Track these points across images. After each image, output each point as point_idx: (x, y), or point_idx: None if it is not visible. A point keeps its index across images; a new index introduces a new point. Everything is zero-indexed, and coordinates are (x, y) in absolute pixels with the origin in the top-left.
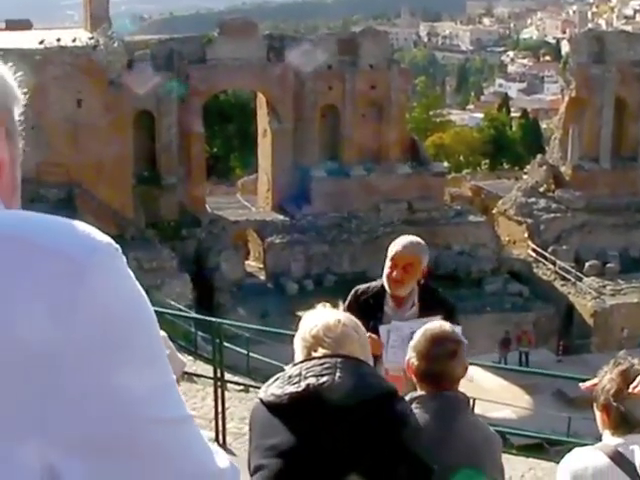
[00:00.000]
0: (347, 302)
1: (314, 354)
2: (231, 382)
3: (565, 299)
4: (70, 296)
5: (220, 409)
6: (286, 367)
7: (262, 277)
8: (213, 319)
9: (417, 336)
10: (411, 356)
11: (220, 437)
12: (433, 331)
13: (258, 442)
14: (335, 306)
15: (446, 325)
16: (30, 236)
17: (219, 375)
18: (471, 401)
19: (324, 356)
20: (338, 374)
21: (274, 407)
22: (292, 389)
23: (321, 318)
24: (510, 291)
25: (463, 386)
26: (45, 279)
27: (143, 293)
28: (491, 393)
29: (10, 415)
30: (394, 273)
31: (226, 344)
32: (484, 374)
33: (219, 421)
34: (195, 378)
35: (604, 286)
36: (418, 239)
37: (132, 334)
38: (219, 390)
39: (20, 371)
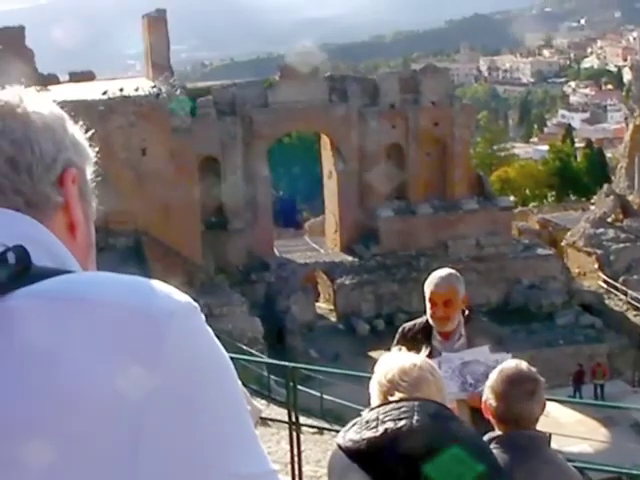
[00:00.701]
0: (395, 340)
1: (391, 398)
2: (306, 425)
3: (638, 329)
4: (152, 357)
5: (296, 452)
6: (361, 410)
7: (333, 318)
8: (286, 363)
9: (493, 376)
10: (488, 397)
11: None
12: (510, 371)
13: None
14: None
15: (522, 364)
16: (111, 297)
17: (294, 419)
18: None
19: (401, 400)
20: (416, 417)
21: (352, 452)
22: (370, 434)
23: (396, 362)
24: (582, 323)
25: (539, 421)
26: (127, 340)
27: (223, 350)
28: (567, 427)
29: (105, 459)
30: (437, 312)
31: (299, 387)
32: (560, 408)
33: (295, 465)
34: (269, 422)
35: None
36: (449, 270)
37: (213, 391)
38: (294, 433)
39: (105, 427)
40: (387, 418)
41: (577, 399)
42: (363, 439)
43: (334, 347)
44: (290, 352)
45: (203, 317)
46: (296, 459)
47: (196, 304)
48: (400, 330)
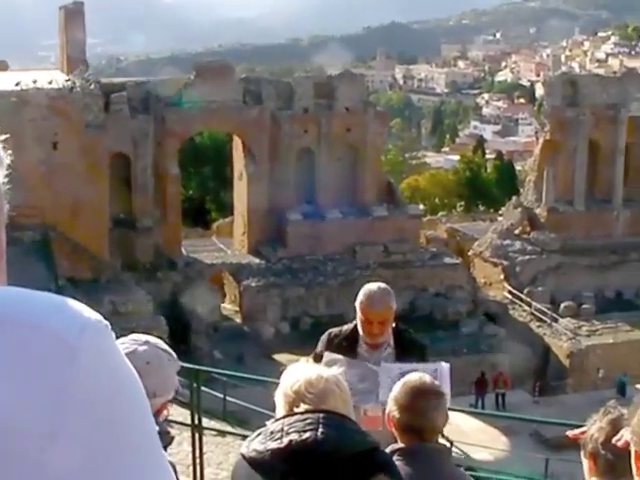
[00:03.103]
0: (320, 345)
1: (296, 409)
2: (208, 428)
3: (541, 340)
4: (61, 376)
5: (198, 454)
6: (264, 413)
7: (238, 320)
8: (191, 366)
9: (397, 388)
10: (392, 409)
11: None
12: (414, 383)
13: None
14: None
15: (426, 377)
16: (18, 315)
17: (197, 421)
18: (447, 444)
19: (306, 411)
20: (321, 430)
21: (256, 463)
22: (274, 445)
23: (303, 373)
24: (486, 333)
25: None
26: (35, 359)
27: (132, 370)
28: (469, 435)
29: None
30: (372, 330)
31: (202, 388)
32: (462, 416)
33: (197, 467)
34: (172, 424)
35: (579, 327)
36: (383, 286)
37: (122, 413)
38: (197, 436)
39: (14, 452)
40: (292, 430)
41: (479, 408)
42: (267, 450)
43: (238, 349)
44: (194, 352)
45: (114, 335)
46: (198, 461)
47: (107, 322)
48: (326, 335)
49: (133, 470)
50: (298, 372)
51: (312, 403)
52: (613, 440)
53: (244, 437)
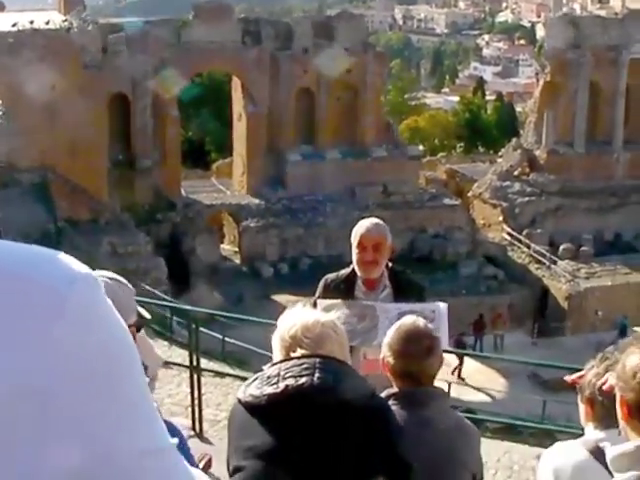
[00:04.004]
0: (318, 292)
1: (293, 354)
2: (206, 370)
3: (540, 282)
4: (51, 328)
5: (196, 395)
6: (262, 354)
7: (237, 261)
8: (189, 307)
9: (391, 333)
10: (386, 354)
11: (197, 424)
12: (408, 328)
13: (237, 443)
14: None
15: (420, 321)
16: (8, 267)
17: (195, 363)
18: (446, 385)
19: (303, 356)
20: (317, 375)
21: (252, 408)
22: (270, 390)
23: (299, 318)
24: (485, 274)
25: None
26: (25, 310)
27: (122, 322)
28: (467, 377)
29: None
30: (366, 256)
31: (201, 329)
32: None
33: (195, 408)
34: (171, 365)
35: (578, 269)
36: (379, 220)
37: (114, 364)
38: (195, 377)
39: (7, 403)
40: (288, 374)
41: (477, 349)
42: (264, 395)
43: (238, 289)
44: (194, 293)
45: (103, 288)
46: (196, 402)
47: (95, 275)
48: (322, 282)
49: (126, 420)
50: (295, 317)
51: (309, 348)
52: (598, 384)
53: (243, 379)
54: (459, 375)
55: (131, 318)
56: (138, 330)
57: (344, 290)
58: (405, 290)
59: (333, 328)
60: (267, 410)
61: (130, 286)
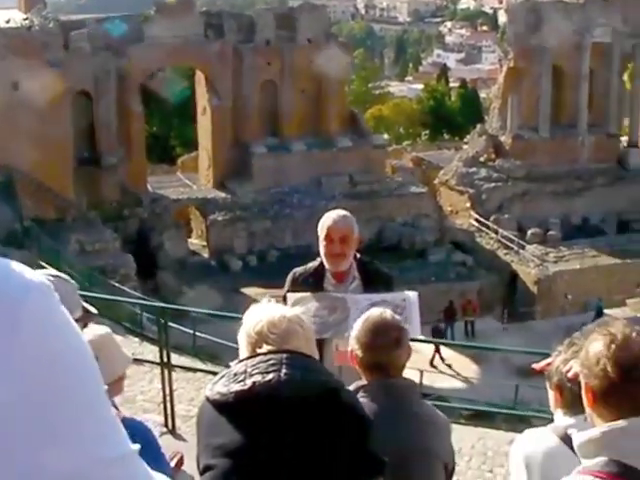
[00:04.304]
0: (287, 286)
1: (259, 350)
2: (177, 366)
3: (508, 267)
4: (7, 338)
5: (168, 391)
6: (234, 348)
7: (205, 255)
8: (157, 304)
9: (358, 326)
10: (354, 347)
11: (169, 421)
12: (375, 320)
13: (206, 441)
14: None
15: (387, 313)
16: None
17: (165, 359)
18: (418, 373)
19: (269, 352)
20: (284, 370)
21: (220, 406)
22: (238, 387)
23: (265, 313)
24: (454, 261)
25: (411, 359)
26: None
27: (77, 328)
28: (439, 364)
29: None
30: (334, 249)
31: (172, 324)
32: (431, 345)
33: (167, 404)
34: (144, 359)
35: (546, 253)
36: (345, 212)
37: (69, 373)
38: (166, 373)
39: None
40: (255, 371)
41: (448, 336)
42: (231, 392)
43: (206, 284)
44: (162, 289)
45: (57, 296)
46: (168, 398)
47: (49, 283)
48: (291, 275)
49: (87, 430)
50: (260, 312)
51: (275, 344)
52: (563, 371)
53: (215, 373)
54: (441, 359)
55: (75, 314)
56: (85, 326)
57: (313, 283)
58: (374, 281)
59: (299, 323)
60: (235, 407)
61: (72, 282)
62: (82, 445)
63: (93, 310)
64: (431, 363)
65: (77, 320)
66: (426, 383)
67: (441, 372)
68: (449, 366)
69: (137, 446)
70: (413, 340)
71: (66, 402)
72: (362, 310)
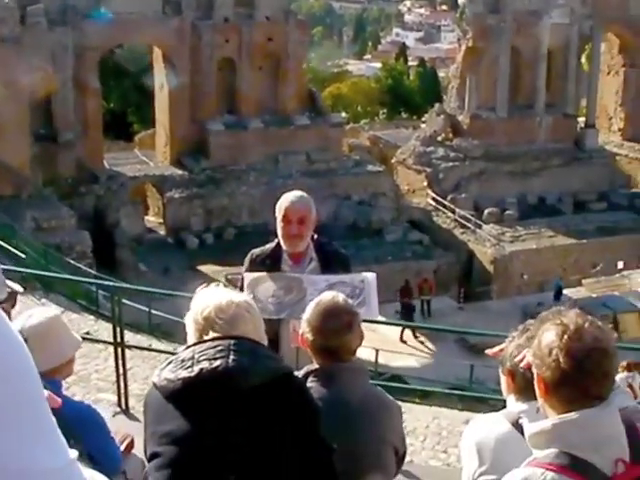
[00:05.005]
0: (244, 267)
1: (206, 337)
2: (131, 346)
3: (465, 247)
4: None
5: (122, 371)
6: (179, 349)
7: (162, 232)
8: (111, 283)
9: (309, 309)
10: (305, 330)
11: (122, 400)
12: (327, 304)
13: (153, 429)
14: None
15: (339, 297)
16: None
17: (119, 337)
18: (374, 352)
19: (216, 338)
20: (232, 357)
21: (168, 392)
22: (185, 374)
23: (213, 299)
24: (410, 240)
25: (366, 337)
26: None
27: (19, 337)
28: (394, 343)
29: None
30: (291, 229)
31: (127, 301)
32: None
33: (121, 383)
34: (97, 338)
35: (503, 233)
36: (303, 193)
37: (9, 386)
38: (120, 352)
39: None
40: (202, 357)
41: (404, 315)
42: (178, 379)
43: (163, 261)
44: (119, 266)
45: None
46: (122, 377)
47: None
48: (248, 256)
49: (26, 440)
50: (208, 298)
51: (222, 330)
52: (515, 360)
53: (172, 354)
54: (413, 336)
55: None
56: (13, 306)
57: (270, 264)
58: (331, 262)
59: (247, 308)
60: (182, 394)
61: None
62: (21, 458)
63: (19, 289)
64: (401, 339)
65: (3, 302)
66: (381, 362)
67: (413, 348)
68: (422, 342)
69: (75, 453)
70: (372, 322)
71: (4, 411)
72: (320, 291)
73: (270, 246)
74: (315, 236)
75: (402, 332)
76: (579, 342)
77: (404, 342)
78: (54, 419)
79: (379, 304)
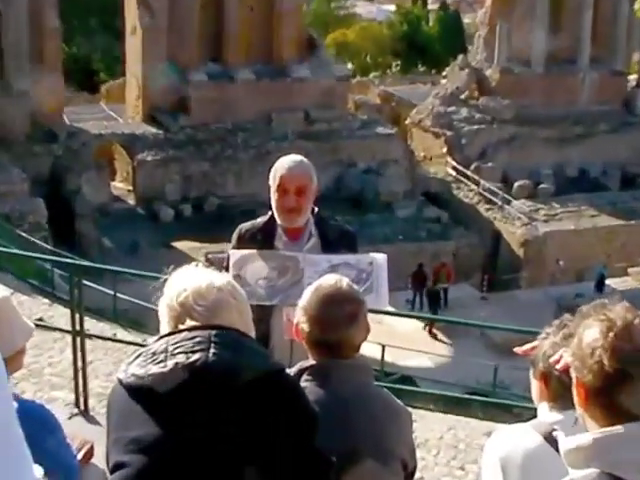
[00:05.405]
0: (232, 244)
1: (182, 326)
2: (92, 336)
3: (491, 226)
4: None
5: (80, 365)
6: (149, 340)
7: (131, 201)
8: (70, 261)
9: (307, 295)
10: (301, 320)
11: (81, 399)
12: (327, 290)
13: (117, 434)
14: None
15: (343, 281)
16: None
17: (78, 326)
18: (380, 348)
19: (195, 328)
20: (213, 350)
21: (136, 391)
22: (156, 369)
23: (190, 281)
24: (426, 216)
25: (372, 330)
26: None
27: None
28: (404, 337)
29: None
30: (288, 202)
31: (88, 283)
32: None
33: (79, 380)
34: (52, 325)
35: (536, 210)
36: (302, 157)
37: None
38: (79, 343)
39: None
40: (178, 350)
41: (417, 305)
42: (149, 375)
43: (132, 235)
44: (80, 241)
45: None
46: (80, 373)
47: None
48: (236, 232)
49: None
50: (185, 280)
51: (202, 318)
52: (550, 361)
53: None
54: (430, 330)
55: None
56: None
57: (262, 241)
58: (334, 240)
59: (232, 293)
60: (153, 393)
61: None
62: None
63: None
64: (430, 331)
65: None
66: (388, 360)
67: (429, 344)
68: (436, 337)
69: (40, 472)
70: (380, 312)
71: None
72: (320, 273)
73: (262, 219)
74: (315, 209)
75: (432, 324)
76: (628, 342)
77: (434, 336)
78: (21, 434)
79: (390, 293)
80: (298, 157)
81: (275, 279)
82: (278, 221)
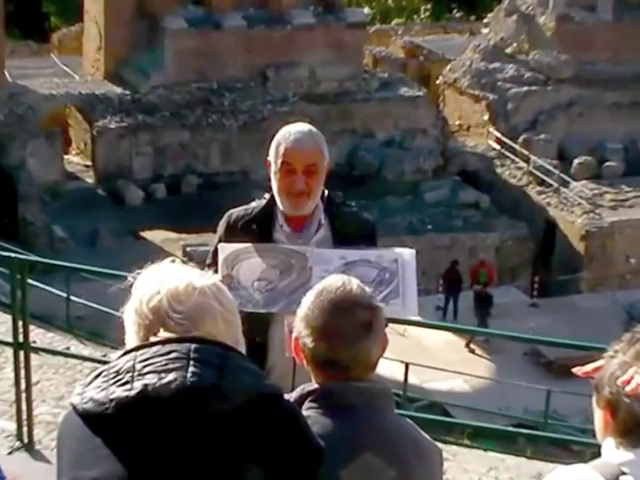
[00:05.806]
0: (218, 234)
1: (153, 339)
2: (39, 349)
3: (543, 214)
4: None
5: (24, 386)
6: (112, 355)
7: (90, 180)
8: (11, 254)
9: (308, 302)
10: (302, 332)
11: (24, 429)
12: (334, 294)
13: (72, 474)
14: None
15: (353, 283)
16: None
17: (22, 337)
18: (403, 367)
19: (170, 340)
20: (192, 369)
21: (95, 419)
22: (120, 392)
23: (165, 281)
24: (462, 201)
25: (392, 344)
26: None
27: None
28: (433, 354)
29: None
30: (296, 184)
31: (35, 283)
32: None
33: (22, 404)
34: None
35: (601, 195)
36: (310, 126)
37: None
38: (22, 358)
39: None
40: (148, 369)
41: (449, 313)
42: (111, 400)
43: (91, 223)
44: (24, 229)
45: None
46: (24, 396)
47: None
48: (225, 219)
49: None
50: (158, 279)
51: (179, 327)
52: (618, 382)
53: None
54: (468, 344)
55: None
56: None
57: (257, 231)
58: (349, 231)
59: (216, 296)
60: (116, 422)
61: None
62: None
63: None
64: (467, 344)
65: None
66: (413, 382)
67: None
68: (474, 352)
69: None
70: (404, 322)
71: None
72: (332, 273)
73: (259, 204)
74: (325, 192)
75: (471, 337)
76: None
77: (471, 351)
78: None
79: (419, 297)
80: (306, 126)
81: (276, 281)
82: (280, 207)
